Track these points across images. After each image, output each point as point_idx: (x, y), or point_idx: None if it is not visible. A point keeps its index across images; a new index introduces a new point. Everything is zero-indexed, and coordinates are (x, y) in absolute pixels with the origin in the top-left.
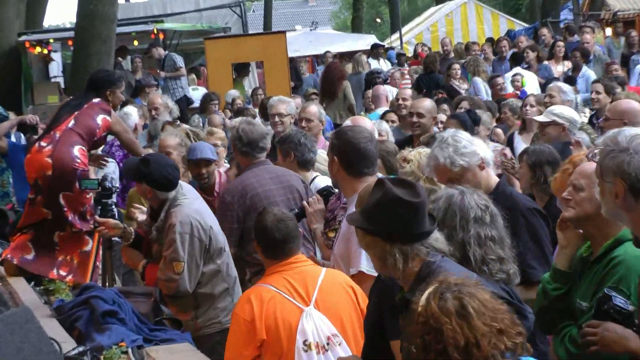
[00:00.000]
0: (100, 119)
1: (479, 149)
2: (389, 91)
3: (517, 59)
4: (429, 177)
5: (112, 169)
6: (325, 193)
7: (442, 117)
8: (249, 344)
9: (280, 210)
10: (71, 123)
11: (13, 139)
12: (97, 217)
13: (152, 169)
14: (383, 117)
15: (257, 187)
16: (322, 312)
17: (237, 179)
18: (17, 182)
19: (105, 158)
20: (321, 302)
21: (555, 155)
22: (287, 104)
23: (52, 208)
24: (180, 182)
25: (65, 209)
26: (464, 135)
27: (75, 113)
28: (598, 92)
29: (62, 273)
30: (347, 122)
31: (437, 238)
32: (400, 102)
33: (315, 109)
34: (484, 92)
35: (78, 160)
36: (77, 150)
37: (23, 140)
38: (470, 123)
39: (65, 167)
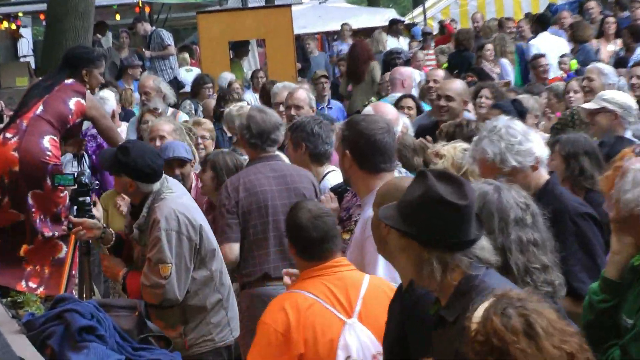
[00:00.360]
0: (73, 102)
1: (535, 146)
2: (411, 73)
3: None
4: (470, 169)
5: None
6: (339, 190)
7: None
8: (281, 358)
9: (316, 204)
10: (39, 109)
11: None
12: (72, 218)
13: (132, 157)
14: (397, 103)
15: (255, 186)
16: (367, 326)
17: (237, 174)
18: None
19: (84, 141)
20: (365, 315)
21: (592, 145)
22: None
23: (23, 209)
24: (165, 175)
25: (34, 209)
26: (519, 127)
27: (45, 97)
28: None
29: (32, 285)
30: (368, 109)
31: (484, 247)
32: (432, 84)
33: (304, 94)
34: (512, 75)
35: (49, 153)
36: (48, 141)
37: None
38: (515, 115)
39: (34, 161)
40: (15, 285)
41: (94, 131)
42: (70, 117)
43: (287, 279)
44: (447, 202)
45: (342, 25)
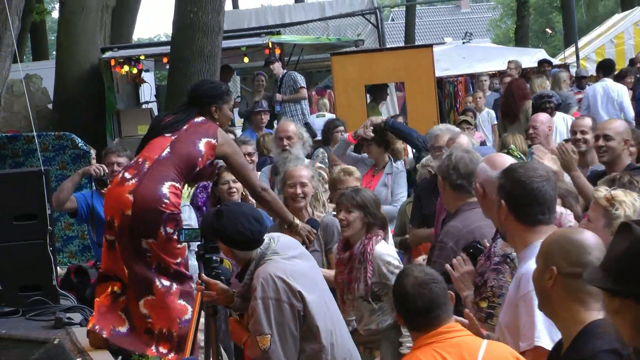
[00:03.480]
0: (203, 144)
1: None
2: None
3: None
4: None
5: (187, 214)
6: (471, 251)
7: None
8: None
9: (423, 269)
10: (166, 151)
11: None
12: (203, 276)
13: (224, 223)
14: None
15: (485, 234)
16: None
17: (456, 220)
18: (97, 234)
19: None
20: None
21: None
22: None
23: (127, 261)
24: (276, 235)
25: (149, 254)
26: None
27: (172, 138)
28: None
29: (163, 350)
30: (482, 163)
31: None
32: (579, 135)
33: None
34: None
35: (166, 201)
36: (168, 188)
37: None
38: None
39: (149, 207)
40: (145, 351)
41: (205, 183)
42: (200, 159)
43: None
44: None
45: (508, 62)
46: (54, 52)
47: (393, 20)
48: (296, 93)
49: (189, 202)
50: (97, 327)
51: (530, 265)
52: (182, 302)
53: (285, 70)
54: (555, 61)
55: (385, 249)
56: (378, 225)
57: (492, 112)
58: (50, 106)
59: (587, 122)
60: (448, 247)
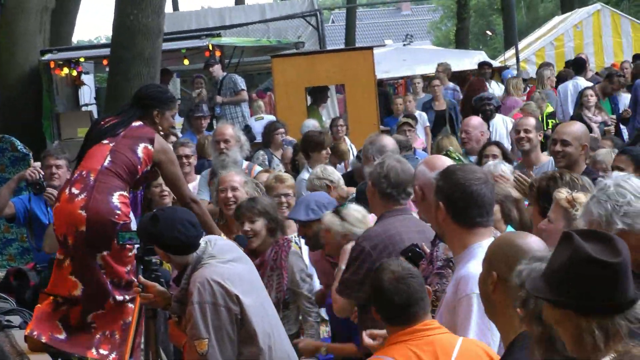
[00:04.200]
0: (141, 150)
1: None
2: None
3: None
4: None
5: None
6: (410, 254)
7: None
8: None
9: (401, 264)
10: (107, 160)
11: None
12: (141, 278)
13: (159, 229)
14: (482, 151)
15: (404, 240)
16: None
17: (377, 225)
18: (35, 238)
19: None
20: None
21: None
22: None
23: (83, 277)
24: (214, 238)
25: (104, 271)
26: (631, 186)
27: (111, 146)
28: None
29: (103, 352)
30: (421, 166)
31: None
32: (522, 134)
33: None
34: None
35: (118, 212)
36: (117, 198)
37: None
38: None
39: (103, 221)
40: (85, 353)
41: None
42: (139, 166)
43: (368, 340)
44: (599, 262)
45: (438, 65)
46: None
47: (333, 22)
48: (236, 95)
49: None
50: (35, 332)
51: (469, 267)
52: (129, 305)
53: (225, 73)
54: (496, 63)
55: (298, 256)
56: (279, 230)
57: (424, 115)
58: None
59: (531, 121)
60: (366, 251)
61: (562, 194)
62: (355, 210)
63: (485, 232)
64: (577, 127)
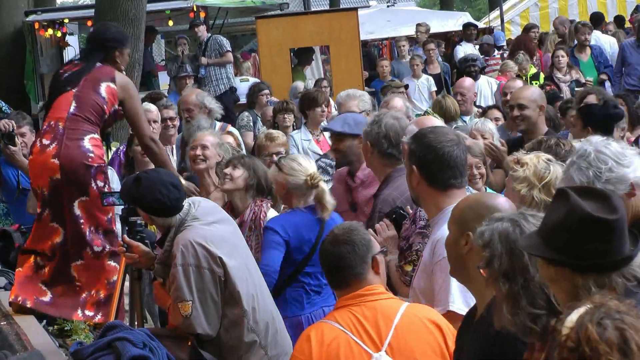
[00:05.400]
0: (104, 89)
1: (630, 171)
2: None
3: None
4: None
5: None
6: (394, 216)
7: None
8: None
9: (351, 226)
10: (73, 106)
11: None
12: (125, 238)
13: (142, 191)
14: (484, 114)
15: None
16: (399, 359)
17: (389, 188)
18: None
19: None
20: (396, 347)
21: None
22: (358, 100)
23: (64, 222)
24: (197, 200)
25: (82, 220)
26: (611, 151)
27: (74, 91)
28: None
29: (89, 313)
30: (411, 126)
31: None
32: (509, 97)
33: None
34: None
35: (91, 155)
36: (89, 141)
37: None
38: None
39: (77, 166)
40: (71, 316)
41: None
42: (105, 106)
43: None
44: (596, 219)
45: (417, 26)
46: None
47: None
48: (222, 57)
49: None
50: (19, 298)
51: (445, 230)
52: (112, 263)
53: (210, 34)
54: (480, 24)
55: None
56: (265, 196)
57: (431, 79)
58: None
59: (519, 84)
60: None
61: (512, 156)
62: (291, 160)
63: (459, 194)
64: (532, 90)
